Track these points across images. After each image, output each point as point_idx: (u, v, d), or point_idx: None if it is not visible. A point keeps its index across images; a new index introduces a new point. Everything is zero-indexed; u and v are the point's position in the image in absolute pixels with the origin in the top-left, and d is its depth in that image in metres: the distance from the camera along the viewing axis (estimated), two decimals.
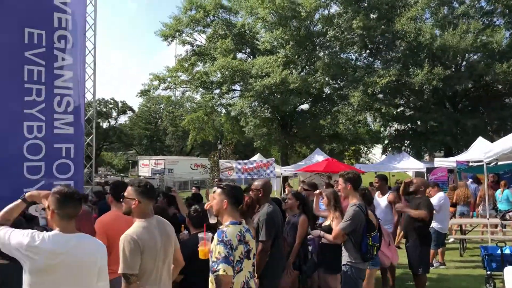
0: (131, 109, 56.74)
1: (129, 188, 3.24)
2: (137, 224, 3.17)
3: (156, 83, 30.42)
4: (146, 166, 42.72)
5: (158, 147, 55.90)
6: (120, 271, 2.96)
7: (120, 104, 54.75)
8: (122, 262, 2.95)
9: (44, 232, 2.54)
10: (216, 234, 3.15)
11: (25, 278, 2.51)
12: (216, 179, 15.89)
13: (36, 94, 7.85)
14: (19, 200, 2.84)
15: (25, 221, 4.03)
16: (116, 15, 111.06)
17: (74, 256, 2.55)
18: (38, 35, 7.90)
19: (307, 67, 28.51)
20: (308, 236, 5.85)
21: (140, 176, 40.42)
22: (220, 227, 3.28)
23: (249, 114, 27.95)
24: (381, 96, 26.23)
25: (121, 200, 3.27)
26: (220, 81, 27.87)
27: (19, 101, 7.66)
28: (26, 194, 2.85)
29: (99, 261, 2.69)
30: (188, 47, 31.41)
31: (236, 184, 3.76)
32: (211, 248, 3.15)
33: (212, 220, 3.89)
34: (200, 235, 3.52)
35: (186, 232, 5.11)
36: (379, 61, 27.35)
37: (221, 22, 29.49)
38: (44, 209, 2.79)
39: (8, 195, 7.27)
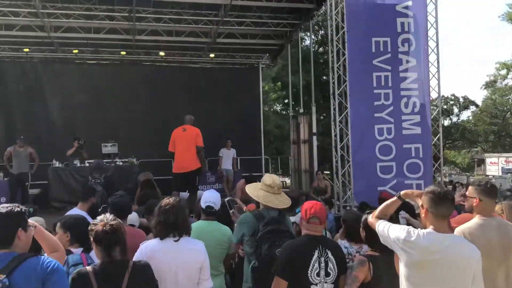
0: (474, 103, 53.11)
1: (470, 187, 3.40)
2: (474, 221, 3.25)
3: (503, 72, 27.50)
4: (495, 165, 39.13)
5: (508, 143, 50.09)
6: None
7: (461, 100, 52.12)
8: None
9: (419, 229, 2.67)
10: None
11: (402, 270, 2.72)
12: None
13: (384, 98, 8.39)
14: (395, 198, 3.05)
15: None
16: (457, 9, 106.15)
17: (448, 257, 2.56)
18: (383, 43, 8.43)
19: None
20: None
21: (488, 175, 37.34)
22: None
23: None
24: None
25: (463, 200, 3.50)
26: None
27: (370, 106, 8.37)
28: (401, 192, 3.04)
29: (474, 266, 2.61)
30: None
31: None
32: None
33: None
34: None
35: None
36: None
37: None
38: None
39: (364, 192, 8.12)
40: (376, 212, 3.02)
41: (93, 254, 3.18)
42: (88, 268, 2.61)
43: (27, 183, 10.71)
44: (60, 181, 10.43)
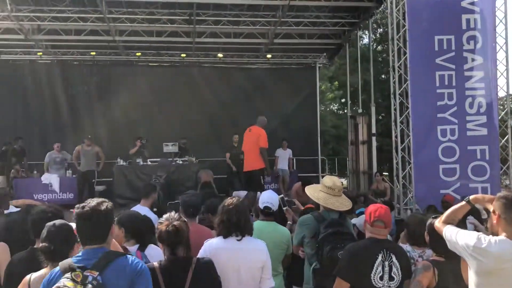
0: None
1: None
2: None
3: None
4: None
5: None
6: None
7: None
8: None
9: (491, 236, 2.55)
10: None
11: (471, 277, 2.61)
12: None
13: (448, 98, 8.10)
14: (464, 202, 2.91)
15: None
16: None
17: None
18: (447, 41, 8.14)
19: None
20: None
21: None
22: None
23: None
24: None
25: None
26: None
27: (433, 106, 8.10)
28: (471, 197, 2.89)
29: None
30: None
31: None
32: None
33: None
34: None
35: None
36: None
37: None
38: None
39: (426, 195, 7.87)
40: (443, 217, 2.91)
41: (147, 251, 3.34)
42: (155, 263, 2.74)
43: (93, 180, 11.31)
44: (124, 178, 10.85)
